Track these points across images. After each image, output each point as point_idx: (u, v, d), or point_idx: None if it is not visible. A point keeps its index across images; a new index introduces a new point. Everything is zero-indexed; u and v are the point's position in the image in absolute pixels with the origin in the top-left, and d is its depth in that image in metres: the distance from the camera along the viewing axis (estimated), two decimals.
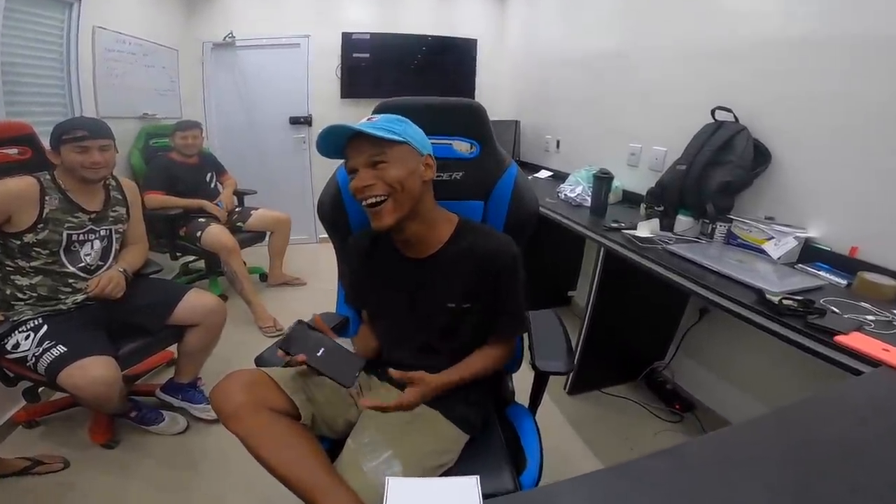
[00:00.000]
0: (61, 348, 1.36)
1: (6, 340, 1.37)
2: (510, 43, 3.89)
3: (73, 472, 1.54)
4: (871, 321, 1.02)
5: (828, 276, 1.30)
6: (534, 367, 1.03)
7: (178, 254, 2.78)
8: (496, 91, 3.95)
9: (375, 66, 3.79)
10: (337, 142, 0.93)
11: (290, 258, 3.13)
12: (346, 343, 0.95)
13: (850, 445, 0.62)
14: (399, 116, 0.96)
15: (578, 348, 1.89)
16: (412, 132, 0.94)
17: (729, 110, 1.65)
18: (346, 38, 3.69)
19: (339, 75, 3.79)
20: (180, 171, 2.71)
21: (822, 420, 0.70)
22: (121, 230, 1.67)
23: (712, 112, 1.70)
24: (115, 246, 1.64)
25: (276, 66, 3.76)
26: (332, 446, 0.96)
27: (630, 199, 2.18)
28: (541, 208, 1.14)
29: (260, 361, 1.01)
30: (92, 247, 1.57)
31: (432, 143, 1.03)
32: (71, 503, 1.44)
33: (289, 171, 3.98)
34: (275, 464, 0.81)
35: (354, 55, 3.73)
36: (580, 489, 0.55)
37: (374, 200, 0.89)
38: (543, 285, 2.59)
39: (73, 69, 2.43)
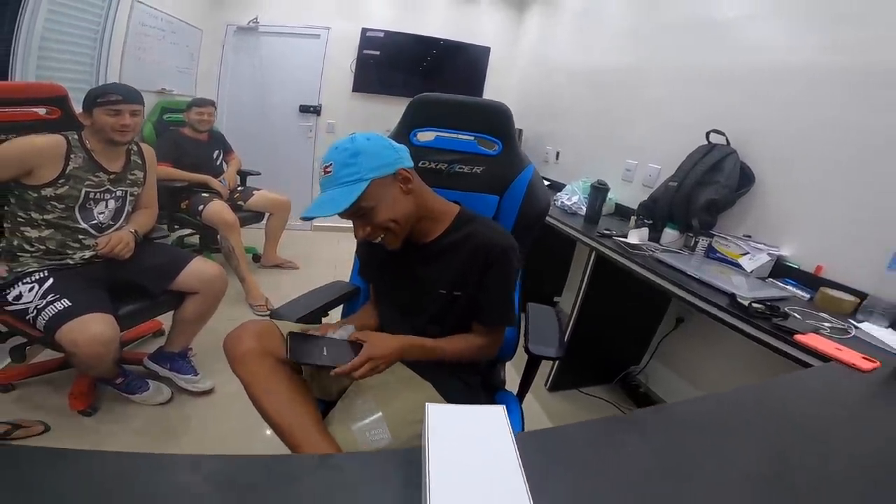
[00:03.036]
0: (66, 302, 1.36)
1: (8, 291, 1.39)
2: (522, 54, 4.01)
3: (51, 437, 1.48)
4: (827, 327, 1.13)
5: (794, 289, 1.42)
6: (527, 350, 1.08)
7: (175, 226, 2.81)
8: (503, 98, 3.99)
9: (388, 63, 3.88)
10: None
11: (284, 243, 3.18)
12: (345, 330, 1.00)
13: (801, 420, 0.72)
14: (350, 147, 0.91)
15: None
16: (370, 161, 0.90)
17: (722, 133, 1.77)
18: (364, 33, 3.78)
19: (353, 69, 3.87)
20: (189, 145, 2.76)
21: (780, 399, 0.80)
22: (136, 193, 1.71)
23: (707, 134, 1.82)
24: (127, 207, 1.68)
25: (293, 54, 3.84)
26: (325, 408, 1.01)
27: (622, 212, 2.30)
28: (547, 192, 1.23)
29: (275, 315, 1.08)
30: (106, 206, 1.60)
31: (458, 139, 1.12)
32: None
33: (293, 156, 4.03)
34: (268, 408, 0.87)
35: (368, 51, 3.82)
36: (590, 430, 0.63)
37: (377, 240, 0.97)
38: (534, 289, 2.68)
39: (107, 40, 2.49)
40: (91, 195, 1.55)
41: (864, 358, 0.95)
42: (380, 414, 0.91)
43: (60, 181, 1.46)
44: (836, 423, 0.72)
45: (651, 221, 1.87)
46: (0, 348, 1.50)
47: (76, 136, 1.54)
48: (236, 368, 0.91)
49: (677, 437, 0.64)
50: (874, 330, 1.16)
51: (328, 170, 0.90)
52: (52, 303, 1.36)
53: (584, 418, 1.92)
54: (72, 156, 1.50)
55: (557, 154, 3.15)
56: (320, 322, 1.17)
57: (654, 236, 1.83)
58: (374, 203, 0.91)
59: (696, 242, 1.71)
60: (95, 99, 1.52)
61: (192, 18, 3.26)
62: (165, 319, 1.83)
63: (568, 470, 0.52)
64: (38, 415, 1.57)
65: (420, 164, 1.20)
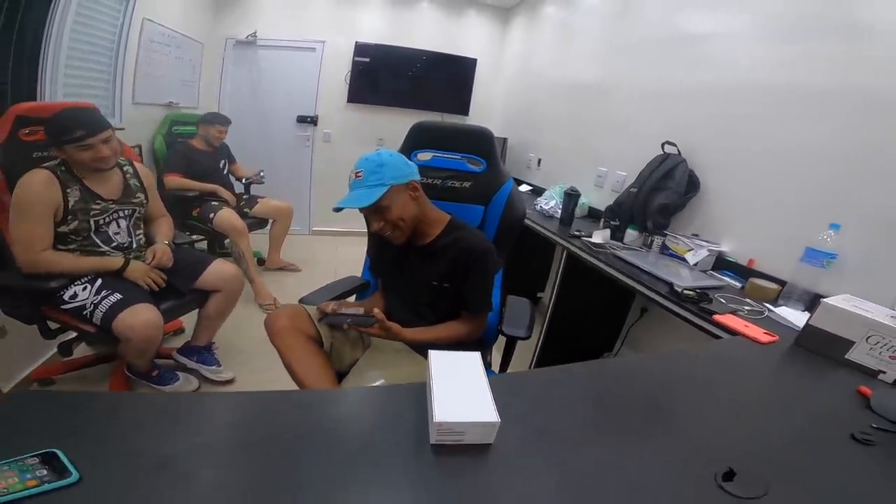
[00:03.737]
0: (118, 295, 1.54)
1: (63, 292, 1.53)
2: (507, 66, 4.26)
3: None
4: (746, 310, 1.40)
5: (730, 280, 1.69)
6: (500, 331, 1.34)
7: (186, 232, 3.03)
8: (488, 108, 4.32)
9: (377, 75, 4.11)
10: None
11: (285, 247, 3.40)
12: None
13: (698, 377, 0.98)
14: (377, 159, 1.20)
15: (541, 337, 2.26)
16: (392, 172, 1.20)
17: (674, 144, 2.04)
18: (359, 46, 4.01)
19: (348, 81, 4.09)
20: (198, 156, 2.98)
21: (689, 362, 1.06)
22: (141, 213, 1.82)
23: (662, 145, 2.09)
24: (138, 223, 1.80)
25: (290, 67, 4.04)
26: (339, 378, 1.27)
27: (594, 214, 2.57)
28: (524, 202, 1.50)
29: (304, 301, 1.34)
30: (118, 225, 1.71)
31: (450, 158, 1.41)
32: None
33: (291, 165, 4.23)
34: (297, 370, 1.15)
35: (362, 63, 4.04)
36: (549, 373, 0.89)
37: (387, 235, 1.26)
38: (518, 286, 2.94)
39: (121, 56, 2.65)
40: (101, 221, 1.64)
41: (765, 333, 1.19)
42: (381, 378, 1.19)
43: (69, 217, 1.56)
44: (719, 380, 0.97)
45: (617, 223, 2.13)
46: (42, 344, 1.63)
47: (63, 168, 1.56)
48: (274, 340, 1.19)
49: (594, 384, 0.91)
50: (789, 313, 1.40)
51: (359, 175, 1.19)
52: (106, 297, 1.53)
53: None
54: (68, 190, 1.54)
55: (539, 161, 3.42)
56: None
57: (619, 236, 2.10)
58: (389, 204, 1.19)
59: (652, 241, 1.98)
60: (60, 137, 1.50)
61: (195, 33, 3.45)
62: (185, 319, 2.01)
63: (519, 396, 0.78)
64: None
65: (419, 180, 1.47)
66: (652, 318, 2.22)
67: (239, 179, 3.33)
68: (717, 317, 1.30)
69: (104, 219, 1.66)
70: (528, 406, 0.75)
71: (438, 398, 0.64)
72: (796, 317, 1.37)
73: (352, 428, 0.68)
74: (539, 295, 3.24)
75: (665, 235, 1.95)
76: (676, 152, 2.04)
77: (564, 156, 3.11)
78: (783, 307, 1.46)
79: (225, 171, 3.18)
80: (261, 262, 3.45)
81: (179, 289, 1.82)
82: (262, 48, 3.95)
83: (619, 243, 2.03)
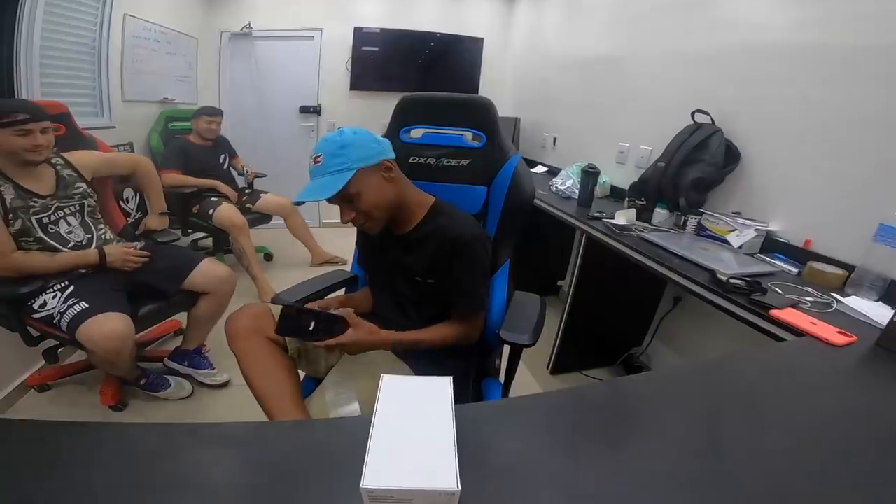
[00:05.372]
0: (83, 304, 1.45)
1: (34, 301, 1.46)
2: (515, 43, 4.01)
3: None
4: (809, 301, 1.16)
5: (782, 264, 1.43)
6: (499, 337, 1.08)
7: (189, 231, 2.92)
8: (499, 88, 4.07)
9: (384, 60, 3.92)
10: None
11: (293, 240, 3.23)
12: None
13: (756, 393, 0.76)
14: (339, 140, 0.99)
15: (560, 331, 2.04)
16: (357, 152, 0.99)
17: (706, 113, 1.78)
18: (357, 32, 3.82)
19: (349, 68, 3.92)
20: (196, 152, 2.86)
21: (740, 372, 0.84)
22: (92, 203, 1.70)
23: (692, 114, 1.83)
24: (91, 217, 1.68)
25: (289, 57, 3.89)
26: (316, 386, 1.08)
27: (617, 193, 2.32)
28: (532, 180, 1.27)
29: (275, 300, 1.16)
30: (69, 224, 1.60)
31: (445, 134, 1.19)
32: None
33: (297, 157, 4.06)
34: (252, 378, 0.99)
35: (364, 48, 3.86)
36: (537, 402, 0.69)
37: (361, 226, 1.08)
38: (536, 275, 2.74)
39: (104, 54, 2.55)
40: (45, 220, 1.54)
41: (838, 332, 0.96)
42: (353, 391, 0.99)
43: (10, 217, 1.45)
44: (784, 398, 0.74)
45: (643, 202, 1.89)
46: (34, 351, 1.60)
47: None
48: (230, 344, 1.05)
49: (619, 410, 0.69)
50: (860, 304, 1.15)
51: (318, 160, 0.99)
52: (71, 306, 1.45)
53: None
54: (1, 188, 1.45)
55: (554, 140, 3.17)
56: None
57: (647, 217, 1.86)
58: (359, 190, 1.00)
59: (686, 221, 1.73)
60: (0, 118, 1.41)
61: (186, 28, 3.33)
62: (184, 319, 1.93)
63: (505, 437, 0.57)
64: (72, 412, 1.71)
65: (411, 160, 1.27)
66: (687, 309, 1.98)
67: (241, 174, 3.20)
68: (774, 312, 1.06)
69: (49, 217, 1.55)
70: (520, 449, 0.56)
71: (376, 450, 0.44)
72: (872, 309, 1.13)
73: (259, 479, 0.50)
74: (559, 283, 3.02)
75: (701, 214, 1.70)
76: (709, 121, 1.78)
77: (581, 133, 2.87)
78: (853, 297, 1.21)
79: (226, 166, 3.05)
80: (269, 257, 3.35)
81: (164, 290, 1.71)
82: (258, 40, 3.80)
83: (647, 224, 1.79)
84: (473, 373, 1.20)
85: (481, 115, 1.25)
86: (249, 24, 3.68)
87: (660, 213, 1.82)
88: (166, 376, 1.85)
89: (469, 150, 1.26)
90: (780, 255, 1.50)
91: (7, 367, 1.76)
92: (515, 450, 0.56)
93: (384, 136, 1.23)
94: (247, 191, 3.11)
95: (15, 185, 1.48)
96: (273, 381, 0.99)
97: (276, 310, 1.07)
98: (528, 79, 3.70)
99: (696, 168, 1.70)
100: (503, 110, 3.68)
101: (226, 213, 2.67)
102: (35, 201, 1.51)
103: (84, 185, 1.68)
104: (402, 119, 1.30)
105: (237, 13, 3.68)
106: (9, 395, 1.74)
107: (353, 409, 0.96)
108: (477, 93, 4.09)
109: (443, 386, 0.53)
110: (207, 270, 1.79)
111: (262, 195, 3.06)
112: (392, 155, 1.07)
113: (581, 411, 0.67)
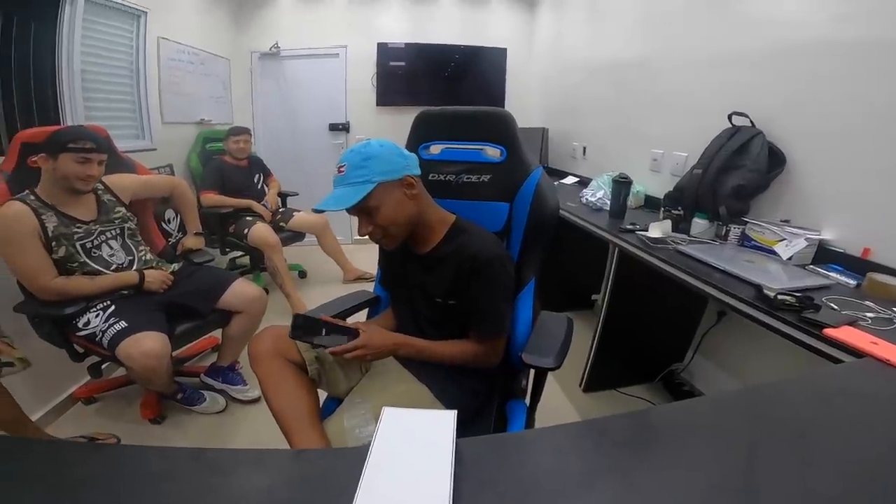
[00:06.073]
0: (123, 323, 1.51)
1: (78, 319, 1.54)
2: (538, 51, 3.96)
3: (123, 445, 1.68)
4: (869, 318, 1.05)
5: (838, 276, 1.31)
6: (521, 360, 1.04)
7: (227, 249, 3.02)
8: (525, 98, 4.03)
9: (409, 74, 3.96)
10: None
11: (323, 256, 3.27)
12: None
13: (806, 423, 0.67)
14: (364, 151, 0.99)
15: (593, 347, 1.96)
16: (380, 165, 0.98)
17: (745, 115, 1.68)
18: (382, 48, 3.88)
19: (375, 84, 3.98)
20: (232, 172, 2.96)
21: (788, 399, 0.76)
22: (132, 226, 1.78)
23: (729, 117, 1.73)
24: (132, 239, 1.76)
25: (316, 74, 4.00)
26: (336, 406, 1.10)
27: (652, 203, 2.22)
28: (562, 212, 1.21)
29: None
30: (111, 247, 1.67)
31: (463, 149, 1.17)
32: None
33: (327, 175, 4.03)
34: (272, 400, 1.01)
35: (388, 64, 3.91)
36: (551, 436, 0.64)
37: (378, 241, 1.07)
38: (568, 289, 2.66)
39: (142, 77, 2.67)
40: (88, 245, 1.60)
41: None
42: (370, 413, 0.98)
43: (53, 244, 1.52)
44: (837, 430, 0.66)
45: (680, 211, 1.79)
46: (81, 366, 1.69)
47: (32, 197, 1.53)
48: (252, 365, 1.07)
49: (643, 442, 0.63)
50: None
51: (342, 169, 1.00)
52: (112, 325, 1.52)
53: None
54: (43, 217, 1.50)
55: (584, 150, 3.09)
56: None
57: (684, 227, 1.76)
58: (378, 204, 0.99)
59: (728, 231, 1.62)
60: (65, 143, 1.49)
61: (217, 49, 3.48)
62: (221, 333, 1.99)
63: (514, 474, 0.52)
64: (115, 424, 1.81)
65: (430, 178, 1.25)
66: (733, 323, 1.85)
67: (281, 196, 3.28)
68: (829, 331, 0.96)
69: (91, 242, 1.62)
70: (528, 488, 0.51)
71: (368, 485, 0.42)
72: None
73: None
74: (594, 297, 2.91)
75: (745, 223, 1.59)
76: (749, 123, 1.68)
77: (612, 141, 2.77)
78: None
79: (259, 186, 3.14)
80: (302, 275, 3.41)
81: (199, 309, 1.77)
82: (286, 59, 3.93)
83: (685, 236, 1.70)
84: (497, 395, 1.16)
85: (500, 128, 1.21)
86: (277, 43, 3.81)
87: (698, 224, 1.72)
88: (201, 391, 1.92)
89: (489, 165, 1.22)
90: (836, 266, 1.37)
91: (56, 380, 1.87)
92: (524, 489, 0.51)
93: None
94: (280, 210, 3.18)
95: (57, 213, 1.55)
96: (292, 402, 1.00)
97: None
98: (553, 87, 3.65)
99: (737, 174, 1.60)
100: (531, 121, 3.71)
101: (260, 232, 2.75)
102: (78, 227, 1.59)
103: (123, 209, 1.76)
104: (420, 135, 1.28)
105: (265, 33, 3.83)
106: (57, 407, 1.85)
107: (372, 430, 0.94)
108: (503, 104, 4.08)
109: (446, 420, 0.50)
110: (240, 290, 1.84)
111: (294, 213, 3.13)
112: (417, 171, 1.05)
113: (603, 445, 0.62)
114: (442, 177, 1.25)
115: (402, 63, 3.93)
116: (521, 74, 4.07)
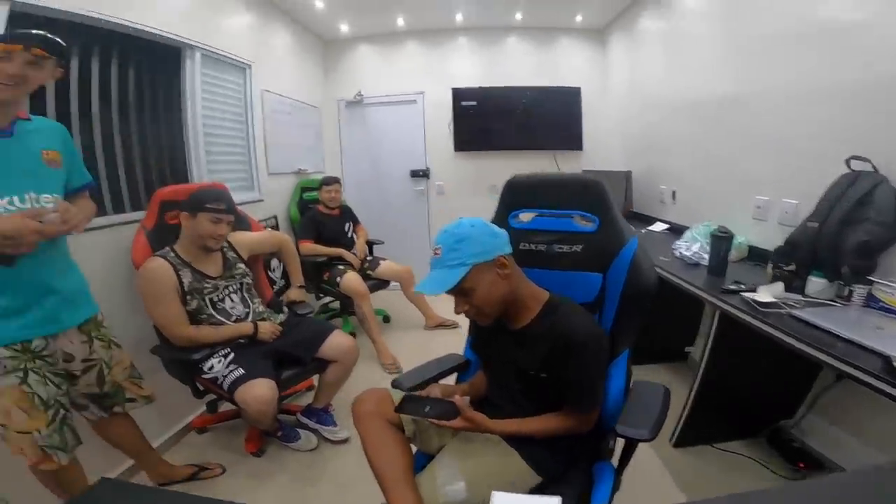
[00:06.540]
0: (241, 371, 1.71)
1: (204, 363, 1.76)
2: (614, 89, 3.88)
3: (227, 475, 1.89)
4: None
5: None
6: (614, 430, 1.05)
7: (320, 295, 3.26)
8: (604, 139, 3.96)
9: (484, 118, 4.06)
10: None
11: (406, 304, 3.37)
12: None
13: None
14: (457, 233, 1.05)
15: (688, 403, 1.83)
16: (472, 247, 1.03)
17: (866, 159, 1.53)
18: (456, 92, 4.04)
19: (451, 129, 4.12)
20: (325, 221, 3.21)
21: None
22: (249, 281, 1.99)
23: (847, 161, 1.58)
24: (248, 294, 1.98)
25: (397, 120, 4.23)
26: (428, 461, 1.17)
27: (757, 255, 2.04)
28: (654, 267, 1.19)
29: (395, 384, 1.27)
30: (232, 300, 1.90)
31: (553, 217, 1.20)
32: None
33: (410, 220, 4.34)
34: (373, 458, 1.10)
35: (463, 109, 4.04)
36: None
37: (473, 318, 1.14)
38: (659, 340, 2.51)
39: (250, 128, 2.93)
40: (215, 299, 1.84)
41: None
42: (461, 474, 1.04)
43: (188, 298, 1.76)
44: None
45: (792, 268, 1.64)
46: (193, 401, 1.94)
47: (172, 254, 1.77)
48: (356, 425, 1.18)
49: None
50: None
51: (437, 252, 1.06)
52: (232, 371, 1.72)
53: (717, 476, 1.81)
54: (180, 273, 1.74)
55: (673, 194, 2.93)
56: None
57: (798, 285, 1.60)
58: (473, 285, 1.04)
59: (851, 292, 1.46)
60: (204, 203, 1.73)
61: (309, 97, 3.80)
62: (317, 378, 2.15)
63: None
64: (222, 454, 2.02)
65: (521, 247, 1.28)
66: (854, 385, 1.63)
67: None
68: None
69: (217, 296, 1.85)
70: None
71: None
72: None
73: None
74: (687, 350, 2.71)
75: (871, 283, 1.43)
76: (871, 169, 1.52)
77: (705, 185, 2.60)
78: None
79: (349, 234, 3.35)
80: (386, 319, 3.54)
81: (302, 358, 1.95)
82: (368, 106, 4.20)
83: (799, 296, 1.55)
84: (585, 457, 1.16)
85: (591, 196, 1.21)
86: (360, 91, 4.12)
87: (815, 283, 1.56)
88: (297, 429, 2.08)
89: (581, 234, 1.23)
90: None
91: (177, 411, 2.15)
92: None
93: (493, 220, 1.28)
94: (368, 258, 3.36)
95: (192, 269, 1.79)
96: (390, 461, 1.08)
97: (396, 394, 1.18)
98: (633, 126, 3.54)
99: (860, 229, 1.44)
100: (612, 163, 3.65)
101: (351, 282, 2.93)
102: (208, 283, 1.82)
103: (243, 265, 2.00)
104: (509, 201, 1.31)
105: (350, 81, 4.15)
106: (176, 434, 2.12)
107: (460, 487, 1.02)
108: (581, 145, 4.03)
109: None
110: (337, 343, 2.00)
111: (380, 262, 3.30)
112: (508, 250, 1.09)
113: None
114: (533, 246, 1.28)
115: (477, 107, 4.03)
116: (598, 113, 4.00)
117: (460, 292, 1.05)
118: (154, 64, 2.23)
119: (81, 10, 1.73)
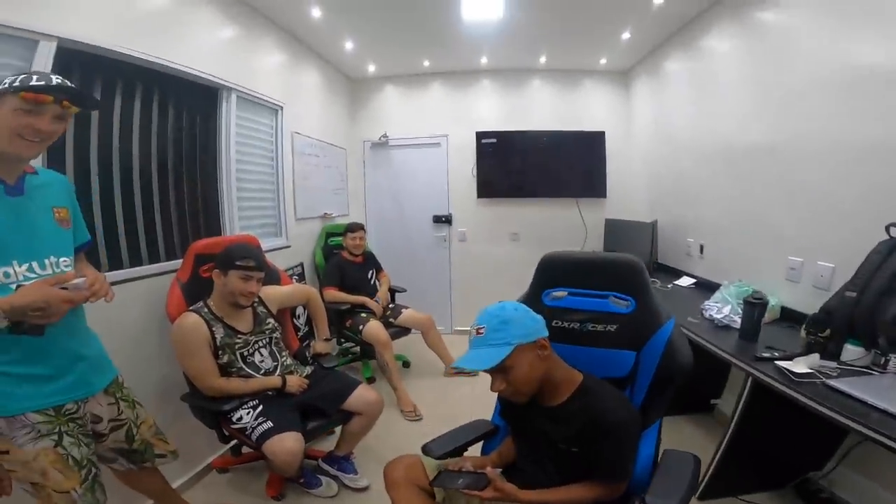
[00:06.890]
0: (269, 423, 1.73)
1: (233, 414, 1.80)
2: (639, 133, 3.83)
3: None
4: None
5: None
6: (643, 498, 1.03)
7: (342, 340, 3.28)
8: (628, 185, 3.93)
9: (507, 163, 4.07)
10: None
11: (426, 351, 3.35)
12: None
13: None
14: (501, 315, 1.11)
15: (716, 458, 1.77)
16: (517, 330, 1.09)
17: None
18: (480, 136, 4.03)
19: (475, 175, 4.14)
20: (349, 268, 3.25)
21: None
22: (278, 335, 2.04)
23: (887, 228, 1.53)
24: (276, 348, 2.02)
25: (420, 163, 4.25)
26: None
27: (790, 317, 1.98)
28: (683, 329, 1.18)
29: (424, 449, 1.29)
30: (262, 354, 1.95)
31: (589, 298, 1.22)
32: None
33: (432, 266, 4.32)
34: None
35: (489, 152, 4.06)
36: None
37: (508, 396, 1.16)
38: (684, 392, 2.41)
39: (280, 172, 2.91)
40: (245, 353, 1.89)
41: None
42: None
43: (220, 352, 1.82)
44: None
45: (827, 334, 1.60)
46: (215, 441, 1.96)
47: (206, 310, 1.83)
48: (388, 490, 1.22)
49: None
50: None
51: (480, 331, 1.11)
52: (260, 423, 1.75)
53: None
54: (213, 328, 1.79)
55: (701, 248, 2.85)
56: (461, 455, 1.34)
57: (833, 350, 1.56)
58: (514, 364, 1.09)
59: (888, 361, 1.43)
60: (234, 261, 1.79)
61: (335, 139, 3.85)
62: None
63: None
64: (242, 496, 2.05)
65: (553, 324, 1.29)
66: None
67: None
68: None
69: (247, 350, 1.90)
70: None
71: None
72: None
73: None
74: (714, 402, 2.63)
75: None
76: None
77: (736, 240, 2.51)
78: None
79: (372, 281, 3.38)
80: (406, 364, 3.51)
81: (327, 411, 1.98)
82: (393, 148, 4.25)
83: (833, 363, 1.51)
84: None
85: (628, 277, 1.23)
86: (385, 133, 4.21)
87: (851, 351, 1.52)
88: (319, 476, 2.09)
89: (616, 315, 1.24)
90: None
91: (199, 451, 2.17)
92: None
93: (522, 299, 1.32)
94: (390, 306, 3.38)
95: (224, 325, 1.84)
96: None
97: (427, 460, 1.23)
98: (661, 173, 3.48)
99: None
100: (637, 212, 3.62)
101: (373, 330, 2.96)
102: (239, 338, 1.88)
103: (273, 320, 2.05)
104: (543, 279, 1.33)
105: (376, 123, 4.22)
106: (197, 474, 2.13)
107: None
108: (605, 192, 4.00)
109: None
110: (361, 396, 2.03)
111: (402, 310, 3.32)
112: (546, 333, 1.14)
113: None
114: (566, 324, 1.29)
115: (500, 150, 4.03)
116: (623, 158, 3.96)
117: (500, 370, 1.09)
118: (193, 105, 2.26)
119: (126, 48, 1.75)
